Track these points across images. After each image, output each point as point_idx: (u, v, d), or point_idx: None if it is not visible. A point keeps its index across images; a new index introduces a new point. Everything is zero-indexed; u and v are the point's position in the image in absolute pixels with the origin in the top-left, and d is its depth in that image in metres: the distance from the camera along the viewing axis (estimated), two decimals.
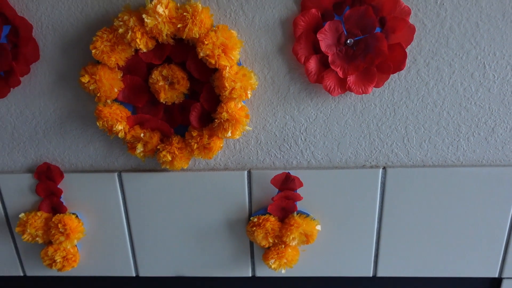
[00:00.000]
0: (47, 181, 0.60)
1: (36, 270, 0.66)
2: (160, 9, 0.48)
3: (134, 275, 0.66)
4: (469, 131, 0.54)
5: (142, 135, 0.55)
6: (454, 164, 0.56)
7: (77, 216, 0.61)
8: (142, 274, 0.65)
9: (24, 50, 0.53)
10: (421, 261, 0.61)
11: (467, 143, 0.55)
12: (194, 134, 0.54)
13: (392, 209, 0.58)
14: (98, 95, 0.52)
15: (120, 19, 0.49)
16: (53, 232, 0.60)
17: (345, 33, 0.50)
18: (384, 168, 0.56)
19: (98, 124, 0.53)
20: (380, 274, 0.62)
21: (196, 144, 0.54)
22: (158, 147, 0.55)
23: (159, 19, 0.48)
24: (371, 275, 0.62)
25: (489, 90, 0.52)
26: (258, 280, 0.65)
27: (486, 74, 0.51)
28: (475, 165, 0.56)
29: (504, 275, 0.61)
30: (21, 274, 0.67)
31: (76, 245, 0.62)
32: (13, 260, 0.66)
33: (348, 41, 0.50)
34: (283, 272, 0.61)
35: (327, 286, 0.65)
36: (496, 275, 0.61)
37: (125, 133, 0.54)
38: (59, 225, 0.59)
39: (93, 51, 0.50)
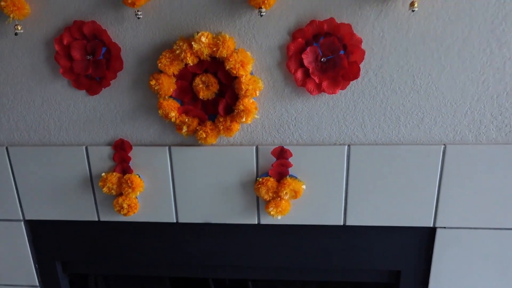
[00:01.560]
0: (121, 151, 0.89)
1: (107, 216, 0.94)
2: (203, 39, 0.76)
3: (175, 221, 0.93)
4: (406, 120, 0.80)
5: (187, 120, 0.83)
6: (397, 143, 0.82)
7: (139, 176, 0.89)
8: (180, 220, 0.93)
9: (113, 63, 0.82)
10: (378, 213, 0.86)
11: (405, 128, 0.81)
12: (221, 119, 0.82)
13: (354, 174, 0.84)
14: (160, 93, 0.81)
15: (177, 44, 0.78)
16: (123, 186, 0.88)
17: (321, 54, 0.77)
18: (348, 145, 0.83)
19: (159, 112, 0.82)
20: (349, 223, 0.88)
21: (222, 126, 0.82)
22: (196, 128, 0.83)
23: (202, 45, 0.76)
24: (341, 223, 0.88)
25: (418, 92, 0.78)
26: (262, 226, 0.92)
27: (415, 82, 0.77)
28: (411, 144, 0.81)
29: (438, 225, 0.86)
30: (96, 219, 0.95)
31: (137, 197, 0.91)
32: (91, 208, 0.94)
33: (322, 59, 0.77)
34: (279, 219, 0.87)
35: (308, 232, 0.91)
36: (431, 225, 0.86)
37: (175, 118, 0.83)
38: (128, 181, 0.88)
39: (158, 64, 0.79)
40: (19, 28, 0.80)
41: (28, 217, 0.97)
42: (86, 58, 0.82)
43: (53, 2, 0.80)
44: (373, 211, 0.86)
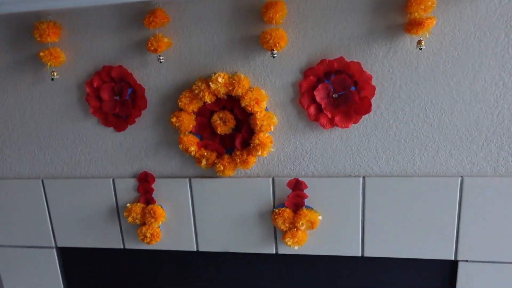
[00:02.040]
0: (145, 183, 0.94)
1: (132, 244, 0.99)
2: (219, 79, 0.81)
3: (195, 250, 0.96)
4: (420, 152, 0.81)
5: (205, 153, 0.87)
6: (412, 175, 0.82)
7: (162, 207, 0.94)
8: (201, 249, 0.96)
9: (138, 103, 0.89)
10: (396, 244, 0.86)
11: (420, 160, 0.81)
12: (238, 153, 0.86)
13: (370, 205, 0.84)
14: (181, 129, 0.86)
15: (196, 84, 0.83)
16: (146, 216, 0.93)
17: (332, 90, 0.80)
18: (363, 177, 0.84)
19: (179, 147, 0.87)
20: (366, 254, 0.88)
21: (238, 159, 0.86)
22: (215, 161, 0.88)
23: (219, 85, 0.81)
24: (359, 254, 0.88)
25: (431, 125, 0.79)
26: (280, 256, 0.93)
27: (427, 115, 0.78)
28: (427, 176, 0.81)
29: (459, 257, 0.84)
30: (122, 247, 1.00)
31: (159, 227, 0.95)
32: (117, 237, 1.00)
33: (334, 95, 0.80)
34: (296, 249, 0.88)
35: (326, 263, 0.91)
36: (452, 258, 0.84)
37: (195, 152, 0.87)
38: (151, 212, 0.92)
39: (179, 103, 0.84)
40: (55, 74, 0.88)
41: (60, 244, 1.04)
42: (113, 99, 0.89)
43: (85, 51, 0.88)
44: (392, 242, 0.86)
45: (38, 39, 0.85)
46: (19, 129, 0.97)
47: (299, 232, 0.86)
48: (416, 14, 0.70)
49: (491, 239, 0.81)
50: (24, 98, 0.94)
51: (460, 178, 0.80)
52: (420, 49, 0.73)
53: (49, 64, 0.86)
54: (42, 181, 0.99)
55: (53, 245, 1.04)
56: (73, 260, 1.06)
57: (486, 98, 0.75)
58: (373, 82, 0.78)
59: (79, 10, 0.85)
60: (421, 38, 0.72)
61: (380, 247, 0.86)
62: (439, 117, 0.78)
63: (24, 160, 0.99)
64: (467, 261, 0.84)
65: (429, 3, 0.70)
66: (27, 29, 0.89)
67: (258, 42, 0.79)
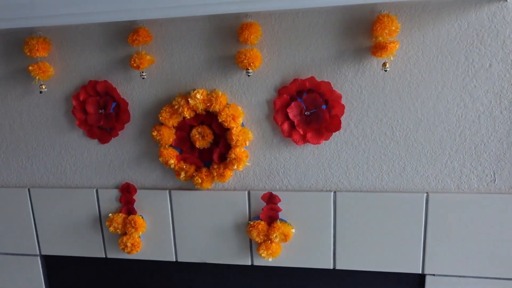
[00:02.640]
0: (126, 194, 0.97)
1: (113, 254, 1.02)
2: (198, 95, 0.85)
3: (174, 260, 0.99)
4: (388, 169, 0.84)
5: (184, 166, 0.91)
6: (381, 191, 0.85)
7: (143, 217, 0.97)
8: (179, 259, 0.99)
9: (122, 116, 0.93)
10: (367, 257, 0.88)
11: (388, 176, 0.85)
12: (215, 166, 0.89)
13: (341, 219, 0.87)
14: (161, 142, 0.90)
15: (176, 100, 0.87)
16: (127, 226, 0.96)
17: (304, 108, 0.84)
18: (334, 192, 0.87)
19: (160, 159, 0.90)
20: (338, 266, 0.90)
21: (216, 173, 0.89)
22: (193, 174, 0.91)
23: (197, 101, 0.85)
24: (331, 267, 0.91)
25: (398, 142, 0.83)
26: (255, 268, 0.96)
27: (394, 133, 0.82)
28: (394, 191, 0.85)
29: (426, 271, 0.87)
30: (104, 256, 1.03)
31: (140, 237, 0.98)
32: (100, 246, 1.02)
33: (306, 113, 0.84)
34: (270, 261, 0.91)
35: (300, 275, 0.94)
36: (420, 272, 0.87)
37: (174, 165, 0.91)
38: (132, 222, 0.95)
39: (160, 117, 0.88)
40: (44, 88, 0.92)
41: (44, 252, 1.06)
42: (98, 112, 0.93)
43: (72, 65, 0.92)
44: (363, 255, 0.88)
45: (28, 53, 0.89)
46: (8, 138, 1.01)
47: (273, 244, 0.89)
48: (380, 38, 0.75)
49: (456, 253, 0.84)
50: (14, 109, 0.98)
51: (425, 194, 0.83)
52: (385, 71, 0.78)
53: (37, 77, 0.91)
54: (29, 189, 1.02)
55: (38, 253, 1.07)
56: (56, 268, 1.09)
57: (449, 118, 0.79)
58: (343, 101, 0.82)
59: (68, 27, 0.90)
60: (386, 61, 0.77)
61: (352, 260, 0.89)
62: (405, 135, 0.82)
63: (11, 169, 1.03)
64: (434, 275, 0.87)
65: (393, 28, 0.74)
66: (18, 44, 0.93)
67: (234, 61, 0.83)
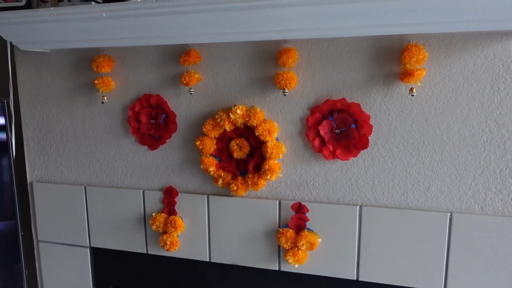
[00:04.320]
0: (169, 196, 1.08)
1: (154, 250, 1.12)
2: (238, 111, 0.95)
3: (208, 260, 1.08)
4: (413, 187, 0.89)
5: (222, 174, 1.00)
6: (405, 207, 0.90)
7: (182, 218, 1.07)
8: (212, 260, 1.07)
9: (170, 126, 1.04)
10: (389, 271, 0.92)
11: (413, 195, 0.89)
12: (250, 176, 0.98)
13: (366, 233, 0.92)
14: (203, 151, 1.00)
15: (218, 114, 0.97)
16: (168, 225, 1.06)
17: (335, 126, 0.91)
18: (360, 206, 0.93)
19: (201, 166, 1.00)
20: (361, 278, 0.95)
21: (250, 182, 0.98)
22: (230, 181, 1.00)
23: (237, 116, 0.95)
24: (354, 278, 0.95)
25: (423, 163, 0.87)
26: (282, 273, 1.02)
27: (420, 154, 0.87)
28: (418, 209, 0.89)
29: None
30: (145, 252, 1.14)
31: (178, 236, 1.08)
32: (142, 242, 1.13)
33: (336, 131, 0.91)
34: (296, 267, 0.97)
35: (325, 284, 0.99)
36: None
37: (214, 172, 1.01)
38: (172, 222, 1.05)
39: (203, 129, 0.99)
40: (105, 99, 1.06)
41: (94, 244, 1.19)
42: (150, 122, 1.05)
43: (130, 80, 1.06)
44: (385, 269, 0.92)
45: (95, 69, 1.04)
46: (71, 142, 1.16)
47: (300, 252, 0.95)
48: (408, 65, 0.81)
49: (479, 274, 0.86)
50: (78, 117, 1.13)
51: (449, 214, 0.86)
52: (412, 95, 0.83)
53: (101, 90, 1.05)
54: (85, 187, 1.16)
55: (88, 244, 1.19)
56: (102, 259, 1.21)
57: (474, 142, 0.83)
58: (371, 122, 0.88)
59: (130, 47, 1.04)
60: (413, 86, 0.83)
61: (374, 272, 0.93)
62: (431, 157, 0.86)
63: (72, 169, 1.17)
64: None
65: (421, 56, 0.80)
66: (86, 61, 1.08)
67: (272, 81, 0.92)
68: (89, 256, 1.20)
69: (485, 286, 0.86)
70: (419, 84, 0.83)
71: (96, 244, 1.18)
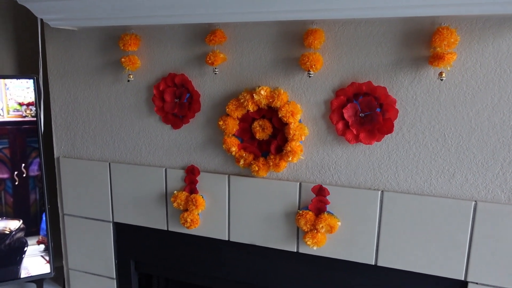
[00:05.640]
0: (191, 175, 1.10)
1: (174, 227, 1.15)
2: (262, 92, 0.95)
3: (227, 239, 1.10)
4: (437, 174, 0.88)
5: (244, 154, 1.01)
6: (428, 194, 0.89)
7: (203, 197, 1.09)
8: (232, 239, 1.09)
9: (194, 106, 1.05)
10: (409, 257, 0.92)
11: (436, 182, 0.88)
12: (272, 157, 0.99)
13: (386, 218, 0.92)
14: (226, 131, 1.01)
15: (242, 95, 0.98)
16: (189, 203, 1.08)
17: (359, 110, 0.90)
18: (382, 191, 0.92)
19: (223, 146, 1.02)
20: (380, 263, 0.95)
21: (272, 163, 0.98)
22: (251, 162, 1.01)
23: (261, 96, 0.95)
24: (373, 263, 0.95)
25: (449, 149, 0.86)
26: (299, 255, 1.03)
27: (446, 140, 0.86)
28: (442, 196, 0.88)
29: (469, 279, 0.88)
30: (166, 228, 1.17)
31: (199, 214, 1.10)
32: (163, 219, 1.16)
33: (360, 115, 0.90)
34: (315, 249, 0.98)
35: (342, 267, 0.99)
36: (462, 278, 0.89)
37: (235, 152, 1.02)
38: (193, 200, 1.08)
39: (226, 109, 0.99)
40: (131, 77, 1.08)
41: (116, 219, 1.22)
42: (174, 101, 1.07)
43: (156, 59, 1.07)
44: (405, 255, 0.92)
45: (122, 47, 1.05)
46: (96, 119, 1.19)
47: (319, 234, 0.96)
48: (439, 49, 0.79)
49: (502, 264, 0.85)
50: (104, 94, 1.16)
51: (474, 202, 0.85)
52: (441, 80, 0.82)
53: (127, 68, 1.06)
54: (109, 164, 1.19)
55: (111, 219, 1.23)
56: (125, 234, 1.24)
57: (504, 130, 0.81)
58: (397, 106, 0.87)
59: (156, 26, 1.05)
60: (443, 70, 0.81)
61: (393, 258, 0.93)
62: (457, 143, 0.85)
63: (97, 145, 1.20)
64: (476, 283, 0.88)
65: (452, 40, 0.78)
66: (113, 39, 1.10)
67: (297, 63, 0.92)
68: (111, 231, 1.24)
69: (508, 276, 0.85)
70: (449, 68, 0.81)
71: (119, 219, 1.22)
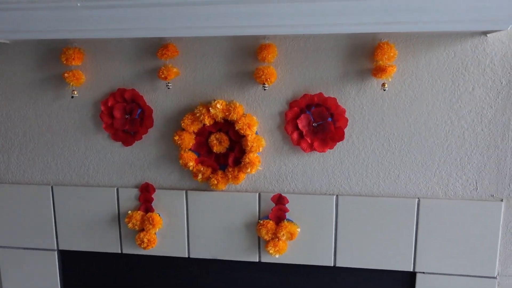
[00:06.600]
0: (145, 193, 1.06)
1: (129, 249, 1.09)
2: (218, 105, 0.96)
3: (187, 256, 1.07)
4: (384, 176, 0.95)
5: (202, 169, 1.00)
6: (377, 195, 0.96)
7: (160, 215, 1.05)
8: (192, 255, 1.07)
9: (146, 122, 1.02)
10: (364, 256, 0.98)
11: (384, 183, 0.96)
12: (230, 170, 0.99)
13: (342, 221, 0.97)
14: (182, 146, 0.99)
15: (198, 109, 0.97)
16: (145, 223, 1.04)
17: (312, 120, 0.95)
18: (337, 195, 0.98)
19: (180, 162, 1.00)
20: (338, 264, 1.00)
21: (230, 175, 0.99)
22: (210, 176, 1.00)
23: (217, 110, 0.96)
24: (332, 264, 1.00)
25: (393, 153, 0.94)
26: (262, 264, 1.05)
27: (390, 144, 0.94)
28: (389, 196, 0.96)
29: (417, 269, 0.97)
30: (119, 251, 1.10)
31: (156, 233, 1.06)
32: (116, 242, 1.10)
33: (314, 124, 0.95)
34: (277, 257, 1.00)
35: (303, 272, 1.03)
36: (411, 269, 0.97)
37: (193, 167, 1.00)
38: (149, 219, 1.04)
39: (182, 124, 0.98)
40: (75, 93, 1.02)
41: (62, 247, 1.13)
42: (124, 117, 1.02)
43: (102, 74, 1.02)
44: (360, 254, 0.98)
45: (65, 62, 0.99)
46: (35, 139, 1.09)
47: (280, 242, 0.98)
48: (381, 62, 0.87)
49: (445, 253, 0.95)
50: (44, 112, 1.07)
51: (417, 199, 0.94)
52: (384, 90, 0.90)
53: (71, 84, 1.00)
54: (52, 187, 1.10)
55: (55, 247, 1.13)
56: (72, 263, 1.15)
57: (438, 133, 0.91)
58: (346, 115, 0.94)
59: (102, 40, 1.00)
60: (385, 81, 0.89)
61: (350, 258, 0.99)
62: (400, 147, 0.93)
63: (37, 167, 1.11)
64: (424, 272, 0.97)
65: (391, 54, 0.87)
66: (53, 53, 1.03)
67: (252, 76, 0.94)
68: (56, 260, 1.14)
69: (450, 263, 0.95)
70: (390, 79, 0.89)
71: (65, 246, 1.13)
